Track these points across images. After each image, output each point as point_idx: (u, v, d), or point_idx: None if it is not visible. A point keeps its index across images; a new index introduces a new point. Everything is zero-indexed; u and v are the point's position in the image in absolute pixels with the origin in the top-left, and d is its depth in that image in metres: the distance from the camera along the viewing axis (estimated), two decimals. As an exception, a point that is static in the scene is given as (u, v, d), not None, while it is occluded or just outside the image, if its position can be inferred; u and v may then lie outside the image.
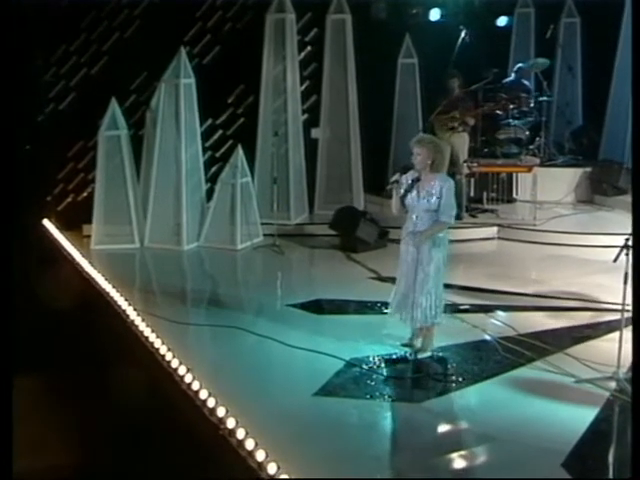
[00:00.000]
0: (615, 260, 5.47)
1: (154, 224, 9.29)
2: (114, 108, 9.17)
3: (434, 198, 5.72)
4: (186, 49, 9.31)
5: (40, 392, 6.62)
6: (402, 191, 5.80)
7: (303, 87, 10.24)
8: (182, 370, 5.55)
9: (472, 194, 10.28)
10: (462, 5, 11.47)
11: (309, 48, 10.35)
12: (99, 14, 9.93)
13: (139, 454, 5.36)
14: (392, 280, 7.58)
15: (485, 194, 10.34)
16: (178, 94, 9.10)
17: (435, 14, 11.43)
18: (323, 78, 10.19)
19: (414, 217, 5.81)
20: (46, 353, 7.16)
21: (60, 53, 9.97)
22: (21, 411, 5.10)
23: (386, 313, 6.84)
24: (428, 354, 5.96)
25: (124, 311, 6.85)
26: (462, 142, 9.94)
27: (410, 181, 5.78)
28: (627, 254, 5.30)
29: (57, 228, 9.61)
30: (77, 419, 6.17)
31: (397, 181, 5.84)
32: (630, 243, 5.24)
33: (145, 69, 9.88)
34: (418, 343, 6.06)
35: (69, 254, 8.75)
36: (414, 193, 5.76)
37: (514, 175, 10.54)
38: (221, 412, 4.92)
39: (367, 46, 10.35)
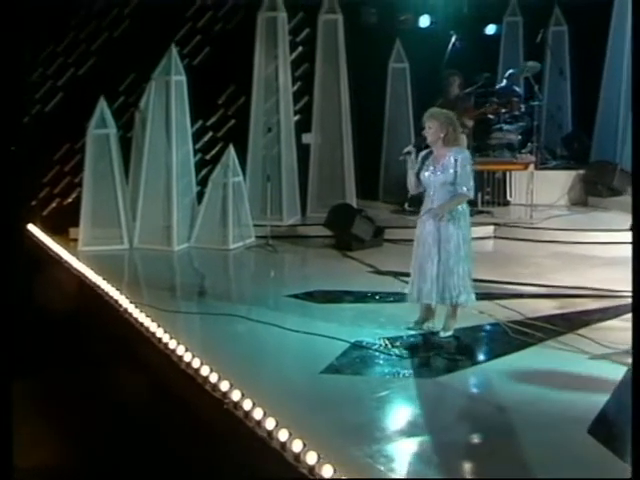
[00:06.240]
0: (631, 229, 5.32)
1: (144, 225, 9.03)
2: (103, 107, 8.93)
3: (450, 171, 5.60)
4: (177, 49, 9.16)
5: (43, 389, 6.36)
6: (417, 167, 5.69)
7: (295, 88, 10.10)
8: (180, 350, 5.32)
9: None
10: (451, 13, 11.46)
11: (300, 48, 10.23)
12: (88, 13, 9.77)
13: (142, 440, 5.09)
14: (391, 273, 7.51)
15: (480, 195, 10.19)
16: (169, 91, 8.90)
17: (425, 21, 11.41)
18: (315, 79, 10.04)
19: (431, 193, 5.69)
20: (44, 352, 6.88)
21: (47, 53, 9.79)
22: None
23: (386, 301, 6.71)
24: (449, 334, 5.78)
25: (116, 301, 6.60)
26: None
27: (424, 156, 5.68)
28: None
29: (42, 232, 9.33)
30: (80, 413, 5.90)
31: (409, 152, 5.73)
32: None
33: (134, 70, 9.70)
34: (431, 324, 5.90)
35: (56, 254, 8.48)
36: (430, 168, 5.65)
37: (508, 177, 10.44)
38: (225, 386, 4.69)
39: (357, 49, 10.24)
